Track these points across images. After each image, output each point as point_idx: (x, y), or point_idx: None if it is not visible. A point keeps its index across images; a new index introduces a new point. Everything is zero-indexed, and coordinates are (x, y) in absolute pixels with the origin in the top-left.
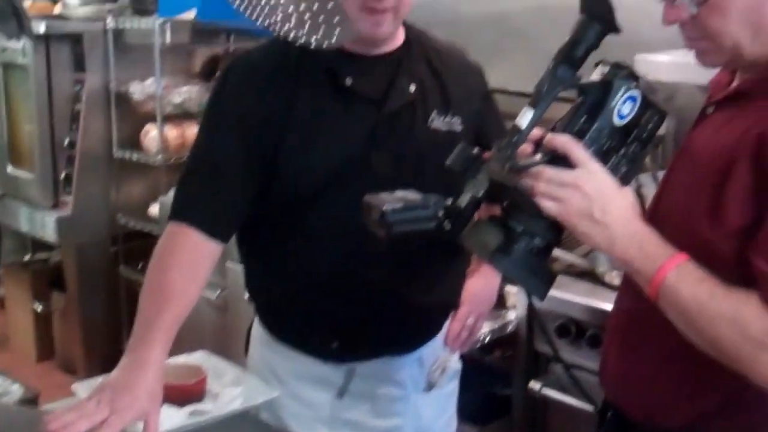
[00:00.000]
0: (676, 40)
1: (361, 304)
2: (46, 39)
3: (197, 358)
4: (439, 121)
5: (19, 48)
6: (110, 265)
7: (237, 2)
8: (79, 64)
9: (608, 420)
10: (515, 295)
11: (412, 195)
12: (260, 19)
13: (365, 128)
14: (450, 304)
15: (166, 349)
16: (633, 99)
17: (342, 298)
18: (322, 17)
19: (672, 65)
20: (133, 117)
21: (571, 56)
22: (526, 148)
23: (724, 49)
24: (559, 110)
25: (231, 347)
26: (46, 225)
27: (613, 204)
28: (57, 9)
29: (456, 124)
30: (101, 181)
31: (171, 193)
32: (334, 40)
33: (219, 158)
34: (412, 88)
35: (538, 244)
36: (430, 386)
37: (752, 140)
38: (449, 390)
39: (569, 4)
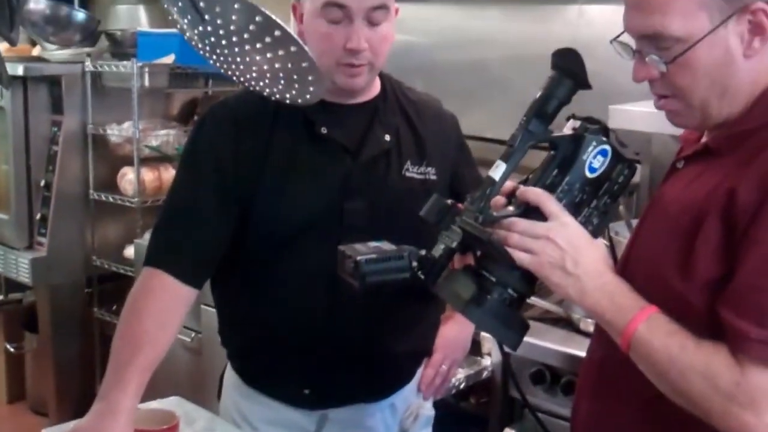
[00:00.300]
0: (649, 91)
1: (334, 351)
2: (24, 81)
3: (170, 403)
4: (413, 171)
5: None
6: (84, 306)
7: (213, 59)
8: (57, 106)
9: None
10: (491, 341)
11: (386, 245)
12: (236, 76)
13: (340, 177)
14: (423, 350)
15: (138, 395)
16: (604, 153)
17: (314, 346)
18: (296, 76)
19: (646, 115)
20: (110, 159)
21: (542, 111)
22: (500, 199)
23: (693, 108)
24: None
25: (205, 390)
26: (20, 266)
27: (584, 256)
28: (36, 51)
29: (430, 173)
30: (77, 223)
31: (147, 236)
32: (308, 97)
33: (194, 205)
34: (387, 137)
35: (511, 295)
36: None
37: (721, 196)
38: None
39: (545, 52)
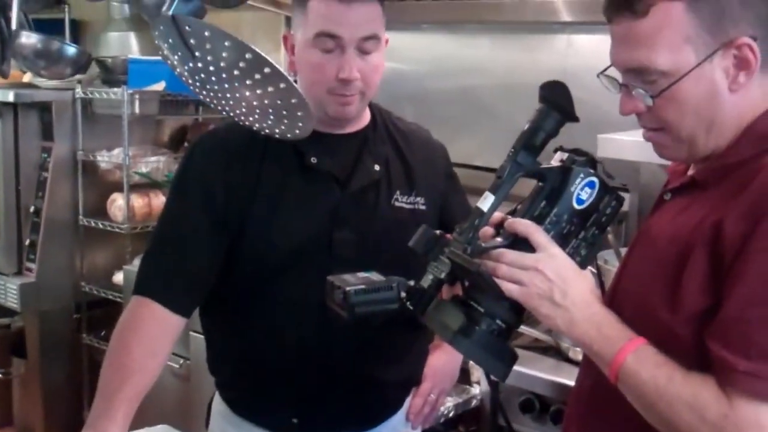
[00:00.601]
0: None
1: (322, 381)
2: (15, 107)
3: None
4: (403, 201)
5: None
6: (73, 332)
7: (203, 94)
8: (47, 133)
9: None
10: (480, 369)
11: (375, 276)
12: (225, 111)
13: (329, 207)
14: (412, 379)
15: (127, 424)
16: (591, 185)
17: (302, 375)
18: (285, 111)
19: (635, 144)
20: (100, 185)
21: (530, 143)
22: (488, 230)
23: (681, 141)
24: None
25: (193, 418)
26: (8, 291)
27: (573, 287)
28: (27, 77)
29: (420, 203)
30: (66, 249)
31: (136, 262)
32: (297, 132)
33: (184, 234)
34: (377, 167)
35: (499, 325)
36: None
37: (708, 228)
38: None
39: (534, 81)
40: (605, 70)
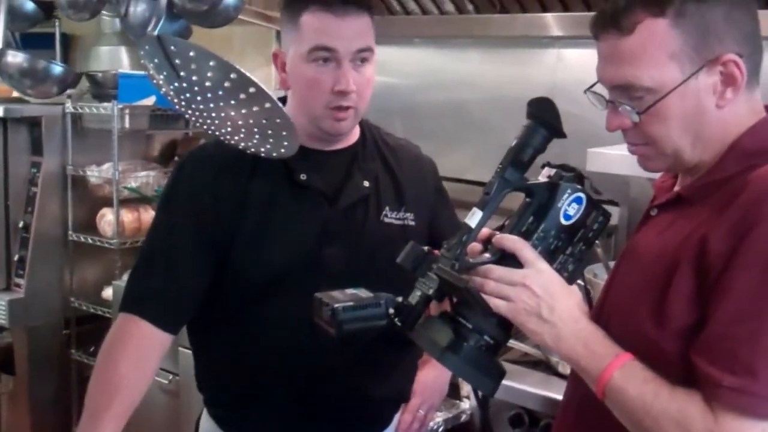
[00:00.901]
0: None
1: (311, 397)
2: (4, 122)
3: None
4: (392, 217)
5: None
6: (62, 348)
7: (188, 113)
8: (37, 148)
9: None
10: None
11: (363, 293)
12: (211, 130)
13: (318, 223)
14: (401, 395)
15: None
16: (579, 200)
17: (291, 391)
18: (270, 131)
19: (624, 158)
20: (89, 200)
21: (518, 159)
22: (476, 246)
23: (666, 154)
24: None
25: None
26: None
27: (560, 303)
28: (16, 92)
29: (409, 219)
30: (55, 264)
31: (126, 277)
32: (282, 151)
33: (172, 250)
34: (366, 183)
35: (487, 341)
36: None
37: (694, 244)
38: None
39: (524, 95)
40: (592, 86)
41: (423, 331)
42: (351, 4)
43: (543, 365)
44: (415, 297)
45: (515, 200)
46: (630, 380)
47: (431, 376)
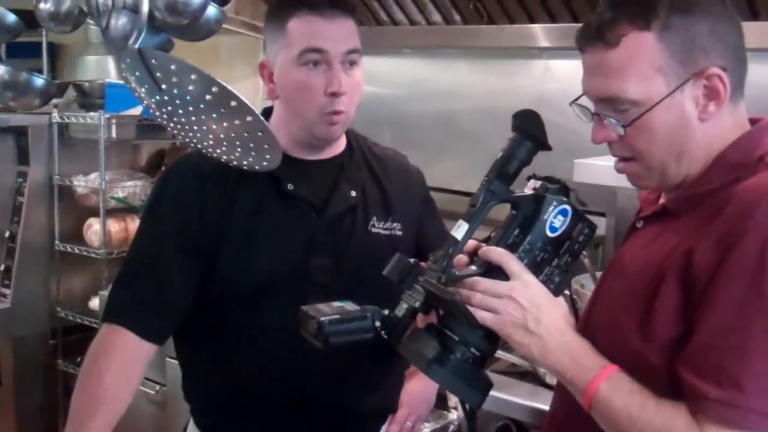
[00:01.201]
0: None
1: (298, 408)
2: None
3: None
4: (379, 227)
5: None
6: (48, 358)
7: (170, 126)
8: (23, 157)
9: None
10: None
11: (349, 306)
12: (193, 143)
13: (305, 233)
14: (388, 407)
15: None
16: (564, 213)
17: (278, 403)
18: (252, 144)
19: (611, 169)
20: (76, 210)
21: (504, 171)
22: (462, 258)
23: (652, 169)
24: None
25: None
26: None
27: (546, 315)
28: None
29: (396, 229)
30: (42, 274)
31: None
32: (265, 164)
33: (157, 260)
34: (353, 193)
35: (473, 353)
36: None
37: (679, 256)
38: None
39: (511, 106)
40: (577, 99)
41: (409, 344)
42: (337, 7)
43: (530, 376)
44: (401, 309)
45: (503, 211)
46: (616, 392)
47: (418, 387)
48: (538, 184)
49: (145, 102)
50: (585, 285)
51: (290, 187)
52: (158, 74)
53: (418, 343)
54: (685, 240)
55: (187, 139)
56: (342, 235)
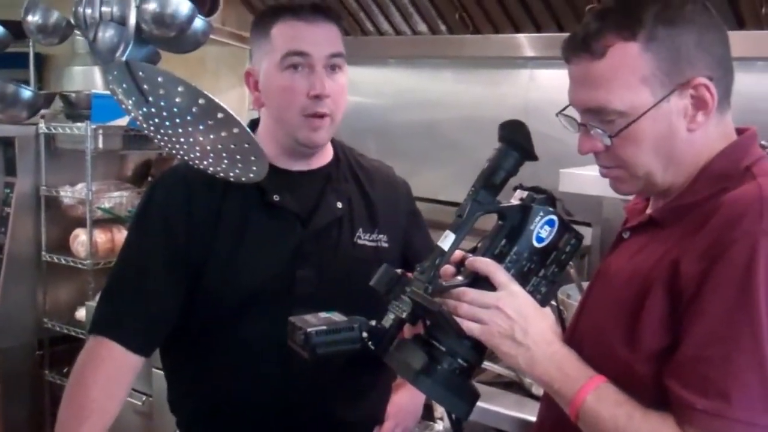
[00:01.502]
0: None
1: (285, 420)
2: None
3: None
4: (365, 238)
5: None
6: (35, 369)
7: (157, 138)
8: (10, 168)
9: None
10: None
11: (336, 316)
12: (180, 154)
13: (291, 244)
14: (375, 418)
15: None
16: (551, 223)
17: (265, 413)
18: (239, 156)
19: (597, 179)
20: (63, 221)
21: (490, 182)
22: (449, 269)
23: (637, 177)
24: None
25: None
26: None
27: (533, 325)
28: None
29: (382, 240)
30: (28, 285)
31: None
32: (251, 176)
33: (144, 272)
34: (340, 205)
35: (460, 364)
36: None
37: (666, 267)
38: None
39: (497, 115)
40: (564, 109)
41: (396, 355)
42: (320, 13)
43: (517, 386)
44: (388, 320)
45: (490, 221)
46: (603, 403)
47: (405, 398)
48: (525, 194)
49: (132, 114)
50: (571, 295)
51: (276, 198)
52: (145, 86)
53: (405, 353)
54: (671, 250)
55: (174, 151)
56: (328, 247)
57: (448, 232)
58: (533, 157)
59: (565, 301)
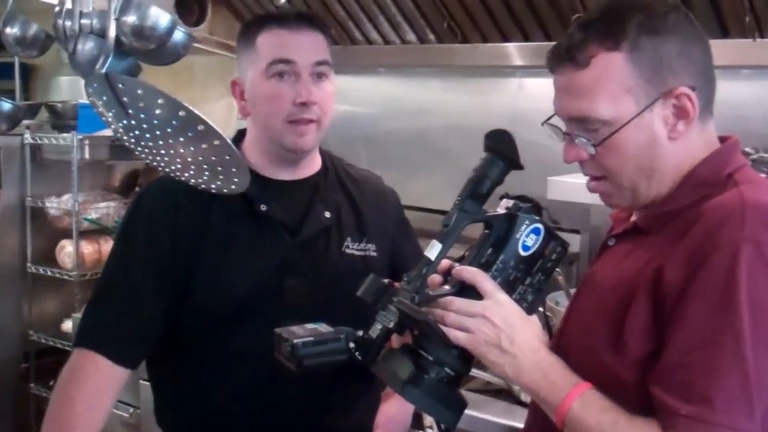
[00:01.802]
0: None
1: (274, 431)
2: None
3: None
4: (353, 248)
5: None
6: (20, 382)
7: (138, 150)
8: None
9: None
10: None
11: (323, 327)
12: (161, 167)
13: (279, 254)
14: (364, 428)
15: None
16: (537, 231)
17: (253, 425)
18: (220, 168)
19: (585, 187)
20: (49, 232)
21: (476, 191)
22: (436, 278)
23: (622, 188)
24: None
25: None
26: None
27: (520, 334)
28: None
29: (371, 250)
30: (14, 296)
31: None
32: (233, 187)
33: (129, 284)
34: (328, 214)
35: (448, 373)
36: None
37: (650, 274)
38: None
39: (486, 124)
40: (549, 118)
41: (384, 365)
42: (305, 21)
43: (505, 394)
44: (375, 330)
45: (477, 229)
46: (588, 410)
47: (394, 408)
48: (511, 203)
49: (113, 126)
50: (560, 302)
51: (264, 207)
52: (125, 99)
53: (393, 363)
54: (655, 257)
55: (155, 163)
56: (316, 257)
57: (434, 241)
58: (518, 167)
59: (553, 308)
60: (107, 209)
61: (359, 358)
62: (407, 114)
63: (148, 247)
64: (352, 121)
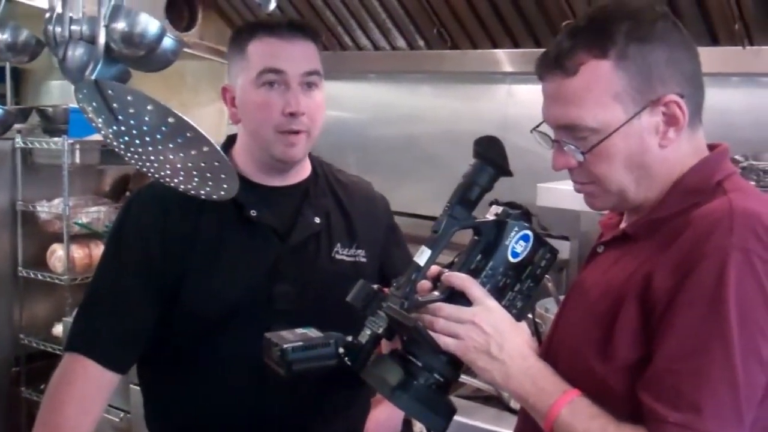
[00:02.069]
0: None
1: None
2: None
3: None
4: (343, 254)
5: None
6: (11, 386)
7: (128, 156)
8: None
9: None
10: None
11: (312, 332)
12: (150, 172)
13: (269, 260)
14: None
15: None
16: (526, 238)
17: (243, 430)
18: (209, 174)
19: (574, 193)
20: (40, 236)
21: (466, 198)
22: (425, 284)
23: (610, 193)
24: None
25: None
26: None
27: (509, 340)
28: None
29: (360, 256)
30: (5, 301)
31: None
32: (222, 193)
33: (119, 289)
34: (317, 220)
35: (437, 379)
36: None
37: (639, 281)
38: None
39: (475, 130)
40: (538, 126)
41: (373, 370)
42: (296, 30)
43: (495, 400)
44: (365, 336)
45: (467, 235)
46: (577, 416)
47: (384, 414)
48: (500, 209)
49: (102, 132)
50: (549, 309)
51: (253, 213)
52: (115, 105)
53: (382, 369)
54: (644, 264)
55: (145, 169)
56: (306, 262)
57: (423, 247)
58: (508, 173)
59: (542, 314)
60: (98, 213)
61: (349, 363)
62: (397, 120)
63: (137, 253)
64: (342, 127)
